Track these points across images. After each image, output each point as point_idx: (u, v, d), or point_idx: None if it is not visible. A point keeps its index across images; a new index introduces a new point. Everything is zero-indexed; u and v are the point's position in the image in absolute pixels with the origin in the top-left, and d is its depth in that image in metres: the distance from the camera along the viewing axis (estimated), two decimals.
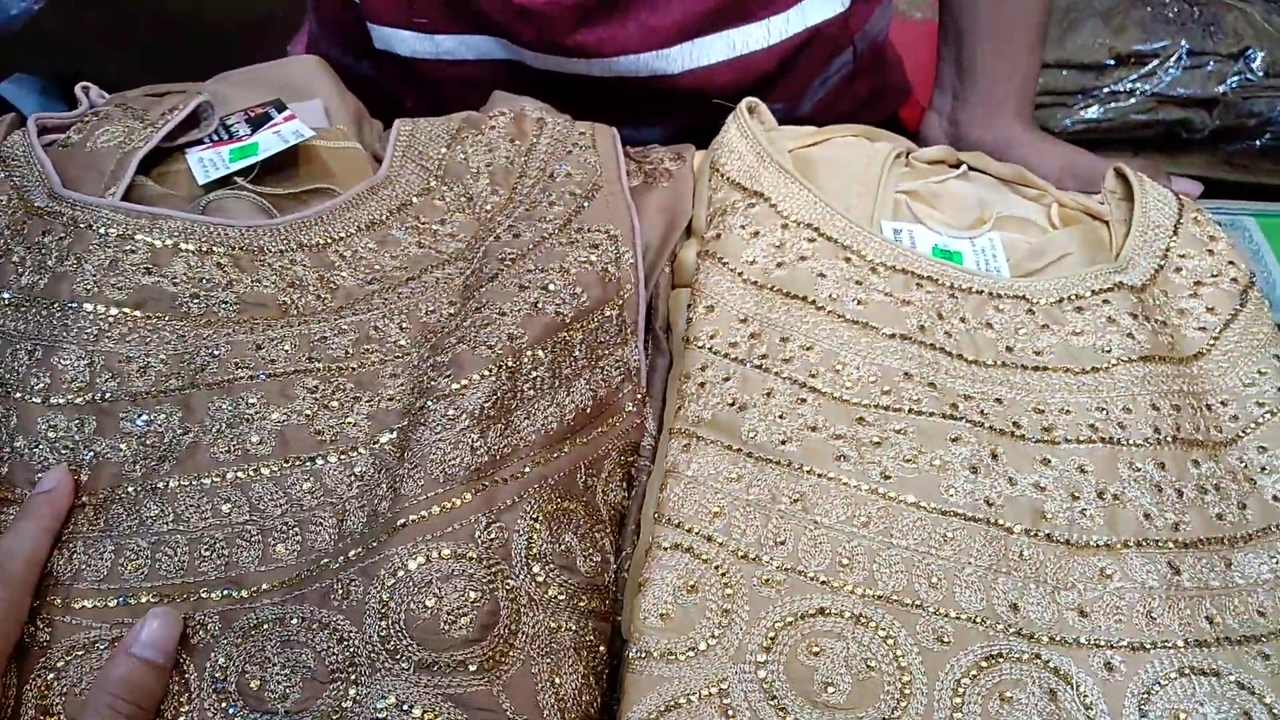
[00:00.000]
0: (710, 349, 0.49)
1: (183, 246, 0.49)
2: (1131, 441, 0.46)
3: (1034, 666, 0.40)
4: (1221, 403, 0.49)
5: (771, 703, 0.39)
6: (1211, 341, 0.51)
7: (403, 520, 0.40)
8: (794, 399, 0.47)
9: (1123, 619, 0.42)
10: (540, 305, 0.47)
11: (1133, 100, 1.02)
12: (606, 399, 0.48)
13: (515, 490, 0.43)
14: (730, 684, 0.40)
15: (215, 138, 0.57)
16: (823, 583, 0.42)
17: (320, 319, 0.48)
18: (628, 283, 0.51)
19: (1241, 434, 0.48)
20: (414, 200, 0.54)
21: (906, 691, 0.40)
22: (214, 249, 0.49)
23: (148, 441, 0.44)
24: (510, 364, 0.45)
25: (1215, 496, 0.45)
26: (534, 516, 0.42)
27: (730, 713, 0.39)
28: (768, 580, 0.42)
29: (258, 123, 0.58)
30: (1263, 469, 0.47)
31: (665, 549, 0.43)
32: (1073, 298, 0.51)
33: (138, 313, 0.47)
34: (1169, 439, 0.47)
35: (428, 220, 0.54)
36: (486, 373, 0.44)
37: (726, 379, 0.48)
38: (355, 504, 0.43)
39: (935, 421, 0.46)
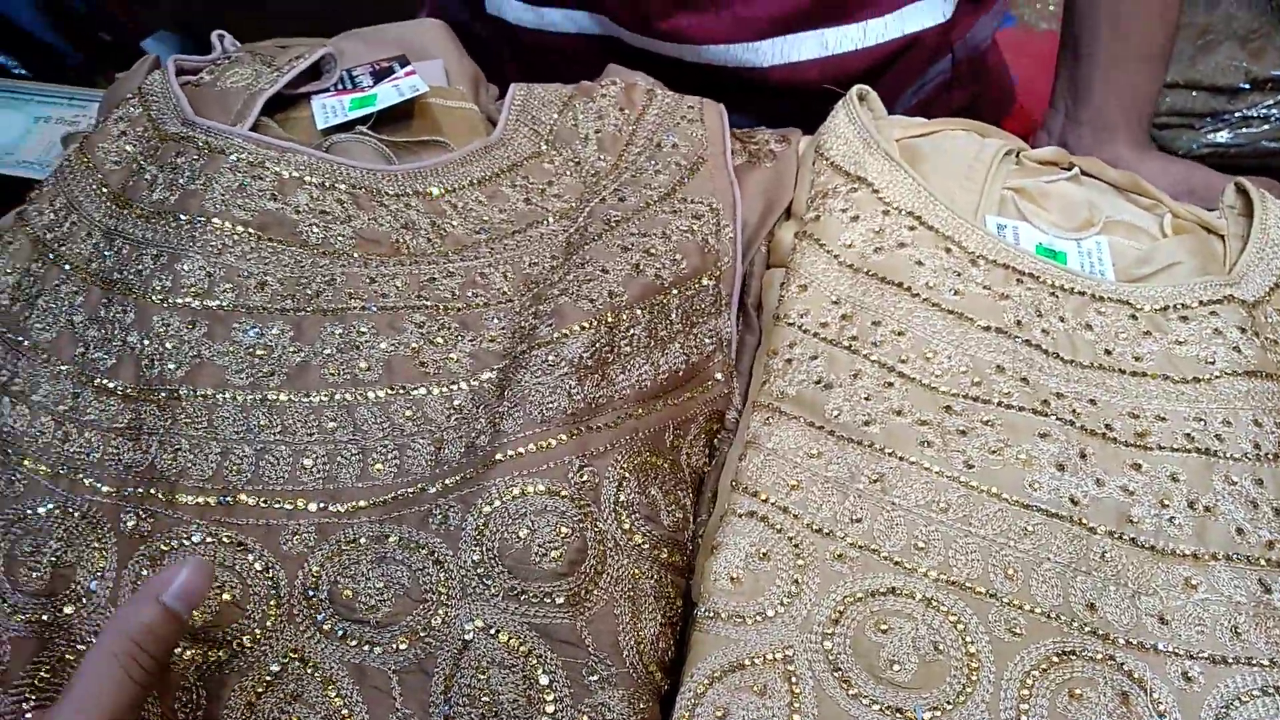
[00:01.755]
0: (800, 327, 0.50)
1: (307, 180, 0.52)
2: (1229, 455, 0.45)
3: (1107, 667, 0.40)
4: None
5: (835, 674, 0.40)
6: None
7: (500, 455, 0.42)
8: (881, 382, 0.47)
9: (1205, 630, 0.41)
10: (641, 267, 0.49)
11: (1266, 126, 0.98)
12: (698, 365, 0.49)
13: (608, 439, 0.44)
14: (795, 651, 0.40)
15: (339, 87, 0.60)
16: (896, 563, 0.42)
17: (430, 261, 0.50)
18: (726, 255, 0.52)
19: None
20: (525, 162, 0.56)
21: (974, 678, 0.39)
22: (336, 185, 0.52)
23: (257, 353, 0.46)
24: (610, 319, 0.46)
25: None
26: (623, 466, 0.43)
27: (793, 679, 0.39)
28: (840, 555, 0.42)
29: (381, 75, 0.60)
30: None
31: (740, 516, 0.44)
32: (1179, 306, 0.50)
33: (260, 233, 0.49)
34: (1270, 456, 0.45)
35: (536, 181, 0.55)
36: (586, 325, 0.46)
37: (814, 357, 0.48)
38: (453, 434, 0.45)
39: (1025, 416, 0.46)
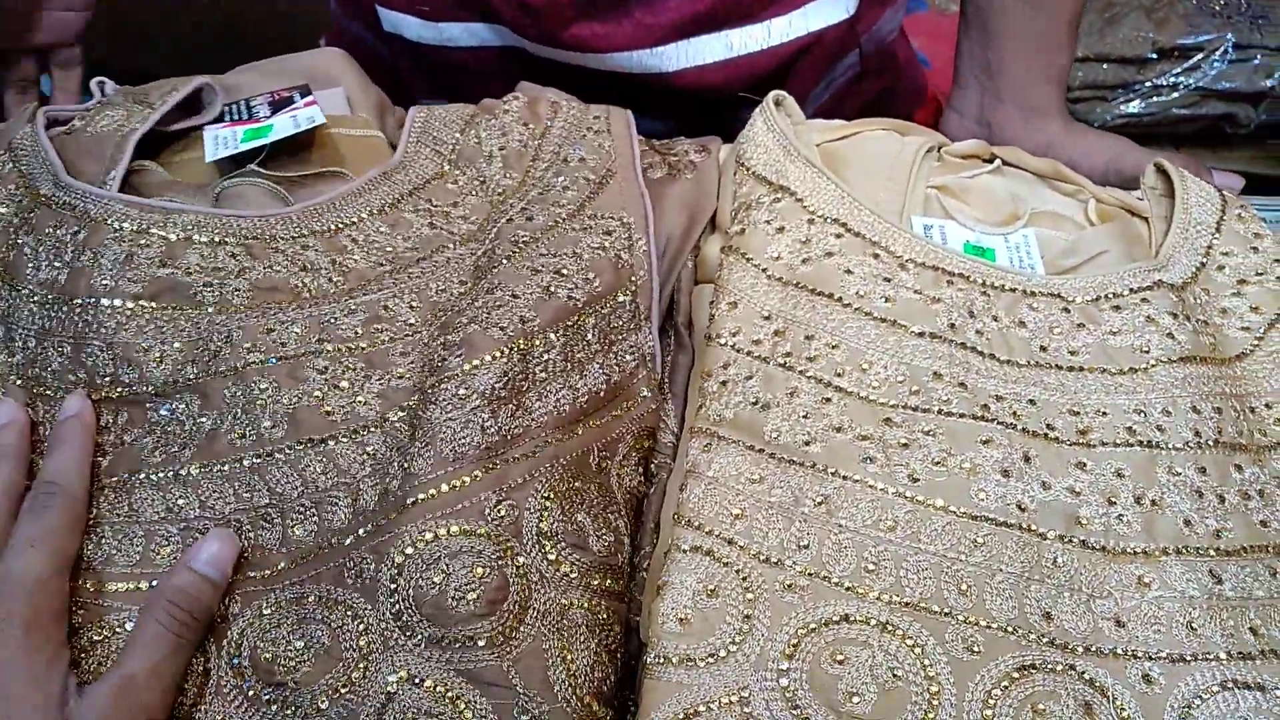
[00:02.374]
0: (733, 346, 0.48)
1: (195, 238, 0.49)
2: (1171, 445, 0.45)
3: (1068, 678, 0.39)
4: (1266, 405, 0.47)
5: (794, 712, 0.38)
6: (1255, 342, 0.49)
7: (413, 498, 0.40)
8: (819, 398, 0.46)
9: (1162, 629, 0.40)
10: (553, 289, 0.47)
11: (1175, 94, 0.99)
12: (620, 383, 0.47)
13: (526, 469, 0.42)
14: (751, 692, 0.39)
15: (235, 117, 0.57)
16: (847, 589, 0.41)
17: (331, 301, 0.48)
18: (641, 269, 0.51)
19: None
20: (427, 184, 0.54)
21: (935, 702, 0.38)
22: (226, 239, 0.49)
23: (169, 429, 0.44)
24: (522, 346, 0.45)
25: (1260, 503, 0.43)
26: (545, 495, 0.42)
27: None
28: (790, 585, 0.41)
29: (279, 105, 0.57)
30: None
31: (685, 551, 0.42)
32: (1110, 296, 0.50)
33: (153, 304, 0.47)
34: (1210, 443, 0.45)
35: (440, 203, 0.53)
36: (498, 354, 0.44)
37: (749, 377, 0.47)
38: (368, 482, 0.43)
39: (966, 423, 0.45)
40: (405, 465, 0.41)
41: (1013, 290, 0.50)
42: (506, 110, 0.57)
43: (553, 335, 0.46)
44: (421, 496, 0.40)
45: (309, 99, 0.58)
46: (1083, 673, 0.39)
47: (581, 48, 0.64)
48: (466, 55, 0.68)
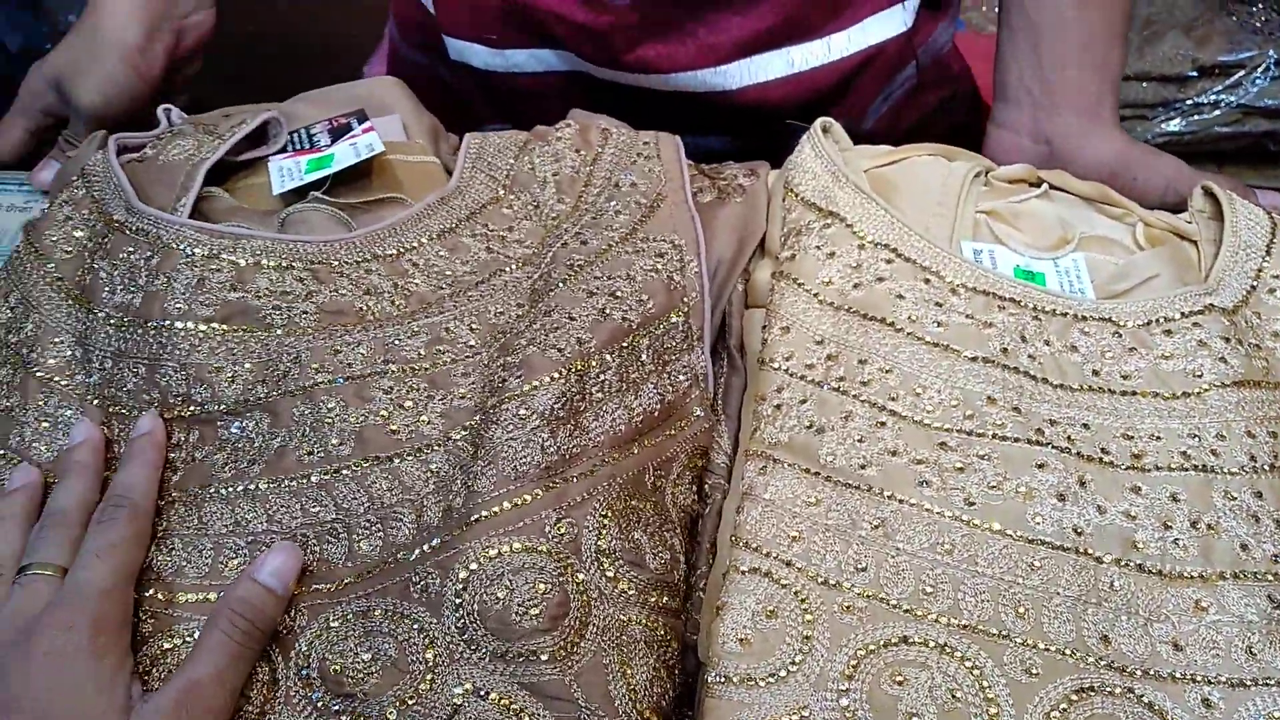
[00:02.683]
0: (786, 370, 0.49)
1: (264, 263, 0.51)
2: (1226, 470, 0.45)
3: (1127, 701, 0.39)
4: None
5: None
6: None
7: (476, 516, 0.42)
8: (873, 422, 0.47)
9: (1220, 653, 0.40)
10: (608, 311, 0.48)
11: (1217, 112, 1.00)
12: (674, 403, 0.48)
13: (585, 488, 0.43)
14: (812, 711, 0.39)
15: (296, 147, 0.59)
16: (906, 611, 0.41)
17: (395, 323, 0.50)
18: (693, 290, 0.52)
19: None
20: (483, 209, 0.56)
21: None
22: (293, 264, 0.51)
23: (239, 446, 0.46)
24: (579, 367, 0.46)
25: None
26: (603, 513, 0.43)
27: None
28: (849, 607, 0.42)
29: (338, 133, 0.59)
30: None
31: (743, 573, 0.43)
32: (1161, 320, 0.50)
33: (225, 326, 0.49)
34: (1266, 467, 0.45)
35: (496, 227, 0.55)
36: (556, 375, 0.45)
37: (803, 401, 0.48)
38: (432, 499, 0.44)
39: (1020, 447, 0.45)
40: (468, 483, 0.43)
41: (1064, 315, 0.50)
42: (559, 137, 0.58)
43: (608, 356, 0.47)
44: (485, 514, 0.41)
45: (366, 125, 0.59)
46: (1141, 696, 0.39)
47: (645, 69, 0.65)
48: (532, 81, 0.70)
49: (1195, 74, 0.97)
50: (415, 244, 0.53)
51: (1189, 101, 0.98)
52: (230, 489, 0.45)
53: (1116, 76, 0.64)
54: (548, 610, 0.40)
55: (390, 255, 0.52)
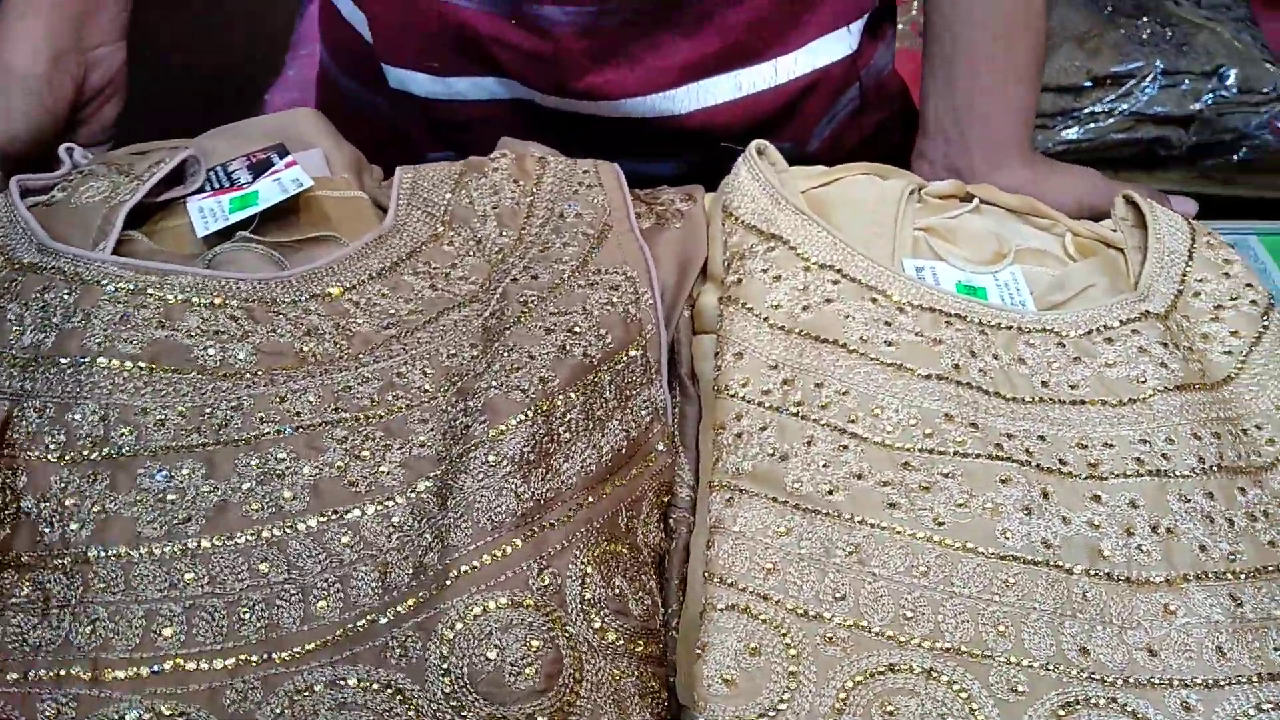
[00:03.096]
0: (743, 397, 0.48)
1: (195, 300, 0.48)
2: (1178, 473, 0.46)
3: (1111, 711, 0.40)
4: (1257, 427, 0.49)
5: None
6: (1239, 365, 0.51)
7: (455, 571, 0.40)
8: (836, 446, 0.46)
9: (1193, 656, 0.41)
10: (568, 348, 0.47)
11: (1111, 120, 1.04)
12: (639, 439, 0.47)
13: (563, 535, 0.42)
14: None
15: (215, 185, 0.56)
16: (889, 637, 0.41)
17: (341, 367, 0.47)
18: (648, 323, 0.51)
19: None
20: (423, 246, 0.53)
21: None
22: (228, 302, 0.48)
23: (169, 499, 0.42)
24: (545, 407, 0.45)
25: (1265, 523, 0.45)
26: (584, 561, 0.42)
27: None
28: (831, 638, 0.41)
29: (259, 169, 0.56)
30: None
31: (720, 610, 0.42)
32: (1101, 329, 0.51)
33: (152, 365, 0.45)
34: (1214, 468, 0.46)
35: (439, 265, 0.53)
36: (523, 417, 0.44)
37: (764, 428, 0.47)
38: (397, 555, 0.42)
39: (982, 463, 0.46)
40: (441, 537, 0.41)
41: (1009, 328, 0.51)
42: (495, 168, 0.57)
43: (573, 394, 0.46)
44: (464, 569, 0.39)
45: (288, 160, 0.57)
46: (1124, 705, 0.40)
47: (594, 96, 0.64)
48: (474, 109, 0.68)
49: (1089, 84, 1.02)
50: (354, 282, 0.51)
51: (1085, 110, 1.02)
52: (163, 547, 0.41)
53: (1029, 109, 0.66)
54: (543, 668, 0.38)
55: (330, 294, 0.50)
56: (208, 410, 0.45)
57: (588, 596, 0.41)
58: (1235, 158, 1.11)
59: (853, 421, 0.47)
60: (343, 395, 0.46)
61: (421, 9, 0.65)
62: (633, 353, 0.49)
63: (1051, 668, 0.41)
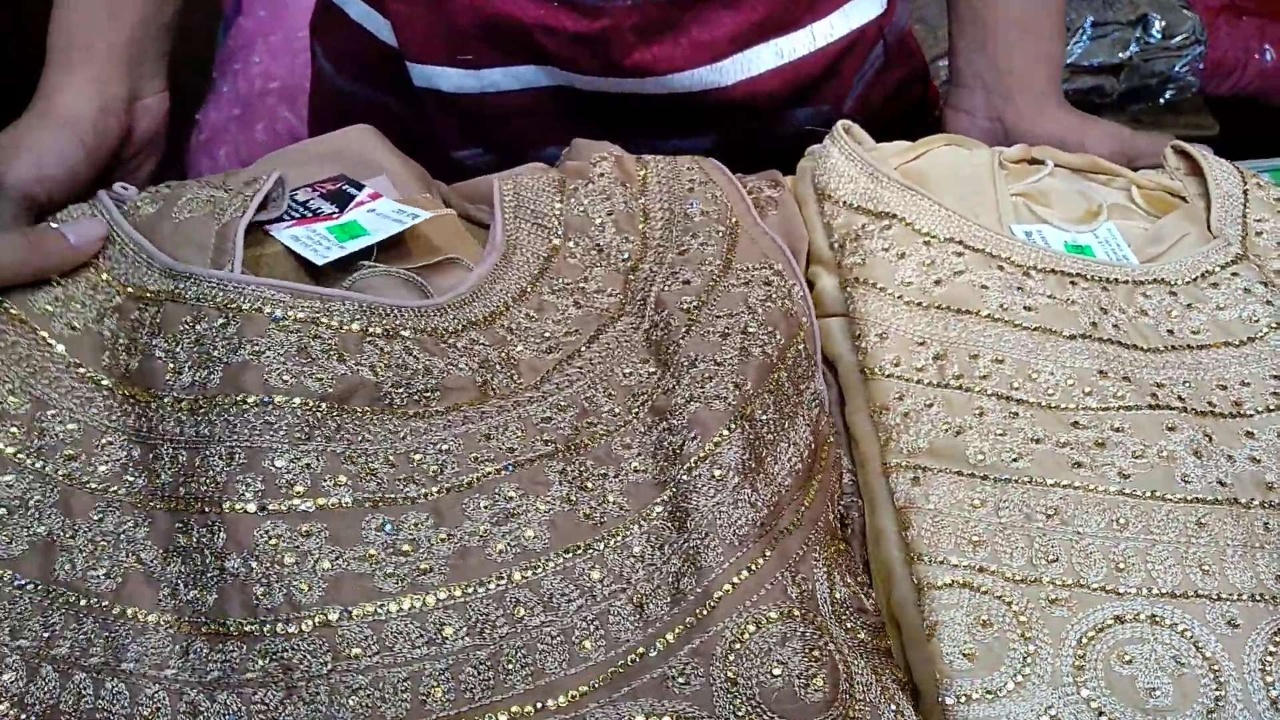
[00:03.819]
0: (900, 376, 0.49)
1: (371, 330, 0.45)
2: None
3: None
4: None
5: (1103, 719, 0.40)
6: None
7: (717, 592, 0.39)
8: (1006, 414, 0.48)
9: None
10: (748, 349, 0.47)
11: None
12: (818, 433, 0.48)
13: (800, 540, 0.42)
14: (1059, 710, 0.40)
15: (294, 215, 0.53)
16: (1108, 590, 0.43)
17: (529, 399, 0.46)
18: (803, 315, 0.51)
19: None
20: (549, 262, 0.52)
21: (1220, 679, 0.41)
22: (399, 332, 0.46)
23: (402, 549, 0.40)
24: (746, 412, 0.44)
25: None
26: (823, 562, 0.42)
27: None
28: (1054, 600, 0.43)
29: (339, 199, 0.53)
30: None
31: (940, 588, 0.43)
32: (1205, 274, 0.54)
33: (341, 405, 0.42)
34: None
35: (571, 280, 0.51)
36: (731, 426, 0.43)
37: (930, 405, 0.48)
38: (648, 586, 0.40)
39: (1146, 414, 0.48)
40: (691, 560, 0.40)
41: (1125, 282, 0.53)
42: (601, 173, 0.55)
43: (766, 396, 0.46)
44: (725, 588, 0.39)
45: (370, 191, 0.54)
46: None
47: (642, 73, 0.64)
48: (508, 99, 0.66)
49: None
50: (499, 308, 0.49)
51: None
52: (412, 602, 0.38)
53: (1058, 60, 0.70)
54: (828, 678, 0.38)
55: (481, 321, 0.48)
56: (415, 457, 0.42)
57: (836, 597, 0.41)
58: (1162, 100, 1.19)
59: (1015, 389, 0.48)
60: (544, 427, 0.44)
61: (456, 3, 0.62)
62: (799, 346, 0.49)
63: (1257, 597, 0.43)
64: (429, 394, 0.44)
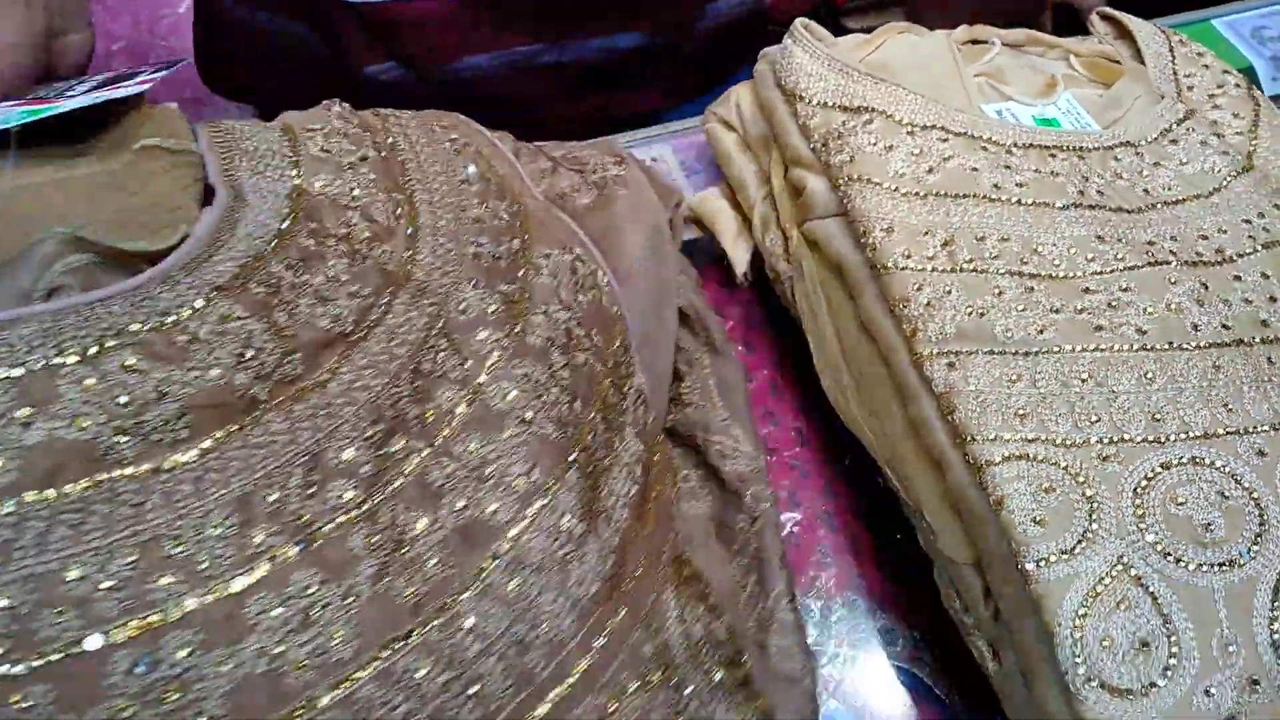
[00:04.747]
0: (915, 268, 0.50)
1: (64, 356, 0.32)
2: None
3: None
4: None
5: (1170, 558, 0.42)
6: (1253, 142, 0.59)
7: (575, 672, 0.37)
8: (1023, 289, 0.49)
9: None
10: (572, 361, 0.42)
11: None
12: (645, 435, 0.45)
13: (649, 584, 0.40)
14: (1130, 558, 0.42)
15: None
16: (1151, 441, 0.45)
17: (311, 409, 0.37)
18: (613, 305, 0.46)
19: None
20: (296, 203, 0.41)
21: (1261, 505, 0.44)
22: (106, 341, 0.33)
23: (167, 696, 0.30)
24: (580, 440, 0.41)
25: None
26: (674, 600, 0.41)
27: (1142, 580, 0.42)
28: (1105, 457, 0.45)
29: (111, 83, 0.44)
30: None
31: (998, 463, 0.44)
32: (1164, 132, 0.57)
33: (48, 489, 0.31)
34: None
35: (331, 226, 0.41)
36: (567, 461, 0.40)
37: (948, 291, 0.49)
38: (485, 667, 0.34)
39: (1150, 271, 0.50)
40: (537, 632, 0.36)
41: (1096, 149, 0.55)
42: (340, 116, 0.46)
43: (595, 415, 0.42)
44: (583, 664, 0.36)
45: (145, 79, 0.43)
46: None
47: None
48: (421, 5, 0.62)
49: None
50: (253, 258, 0.38)
51: None
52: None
53: None
54: None
55: (233, 283, 0.37)
56: (168, 544, 0.32)
57: (691, 637, 0.39)
58: None
59: (1025, 264, 0.50)
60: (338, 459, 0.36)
61: None
62: (617, 344, 0.45)
63: (1278, 426, 0.46)
64: (170, 428, 0.32)
